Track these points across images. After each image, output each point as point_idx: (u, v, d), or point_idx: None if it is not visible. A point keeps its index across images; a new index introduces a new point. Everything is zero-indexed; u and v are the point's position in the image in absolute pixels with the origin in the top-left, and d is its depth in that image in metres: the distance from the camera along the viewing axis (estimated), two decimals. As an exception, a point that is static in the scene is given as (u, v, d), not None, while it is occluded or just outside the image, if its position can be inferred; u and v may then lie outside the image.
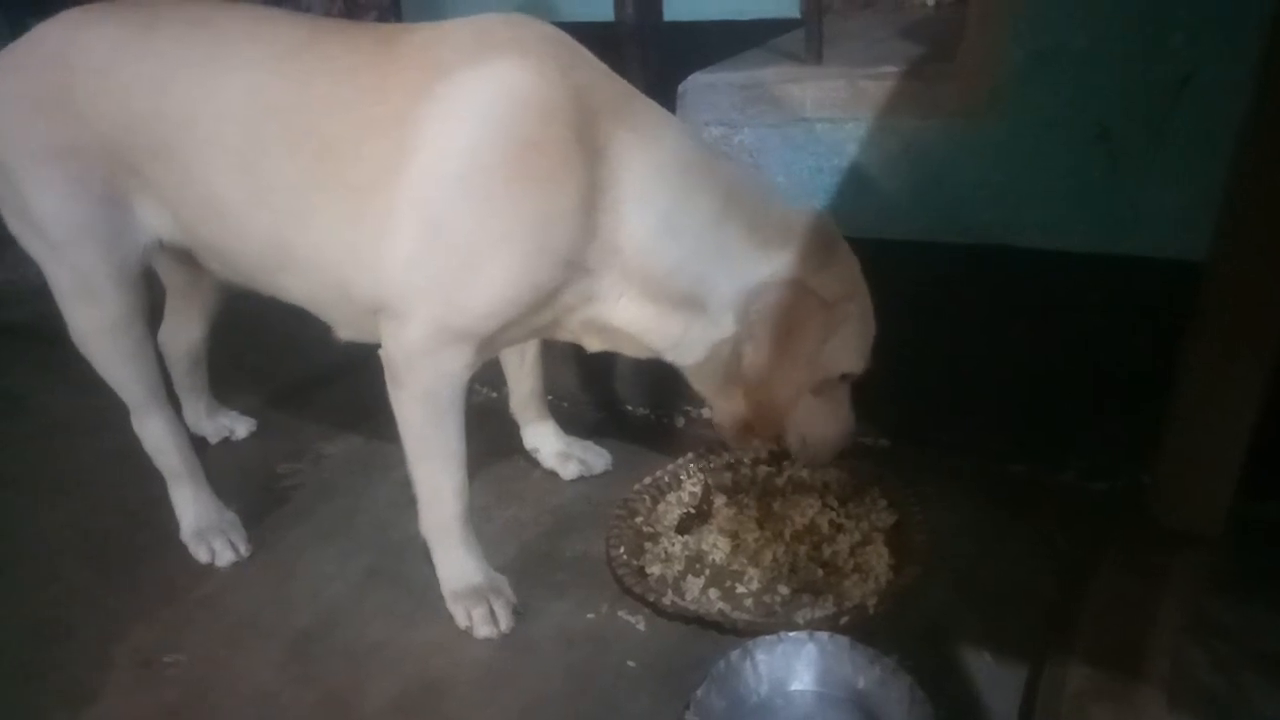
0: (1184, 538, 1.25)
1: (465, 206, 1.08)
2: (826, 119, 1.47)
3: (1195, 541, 1.24)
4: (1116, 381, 1.40)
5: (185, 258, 1.36)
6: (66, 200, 1.24)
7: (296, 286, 1.26)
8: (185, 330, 1.68)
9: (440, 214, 1.09)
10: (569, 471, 1.61)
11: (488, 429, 1.68)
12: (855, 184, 1.46)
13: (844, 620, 1.20)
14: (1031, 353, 1.44)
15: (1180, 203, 1.27)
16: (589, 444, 1.64)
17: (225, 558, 1.44)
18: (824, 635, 1.13)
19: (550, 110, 1.06)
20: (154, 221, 1.30)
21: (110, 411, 1.48)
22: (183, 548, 1.46)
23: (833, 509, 1.43)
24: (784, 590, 1.29)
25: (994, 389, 1.49)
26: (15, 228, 1.30)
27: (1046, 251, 1.37)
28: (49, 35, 1.25)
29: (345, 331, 1.27)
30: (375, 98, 1.11)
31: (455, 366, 1.16)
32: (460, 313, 1.12)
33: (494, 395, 1.88)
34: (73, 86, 1.21)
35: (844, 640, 1.12)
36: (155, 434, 1.44)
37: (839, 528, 1.39)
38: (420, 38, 1.15)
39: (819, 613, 1.23)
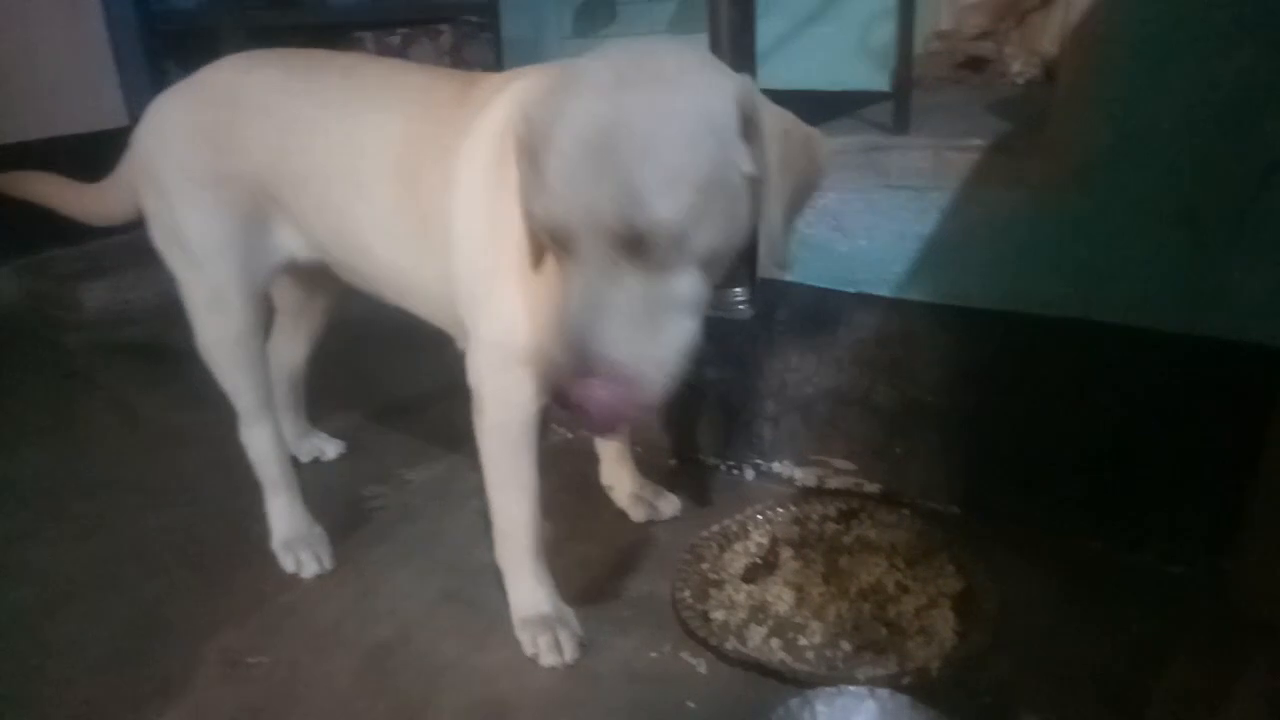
0: (1264, 629, 1.22)
1: (477, 221, 1.17)
2: (910, 186, 1.50)
3: (1276, 634, 1.21)
4: (1197, 464, 1.37)
5: (302, 281, 1.47)
6: (214, 221, 1.37)
7: (417, 304, 1.37)
8: (290, 350, 1.80)
9: (468, 232, 1.18)
10: (639, 514, 1.65)
11: (563, 468, 1.74)
12: (936, 251, 1.49)
13: (906, 680, 1.20)
14: (1110, 429, 1.43)
15: (1266, 287, 1.26)
16: (660, 489, 1.68)
17: (310, 569, 1.52)
18: (885, 692, 1.13)
19: (523, 111, 1.12)
20: (289, 243, 1.43)
21: (214, 426, 1.60)
22: (271, 557, 1.55)
23: (899, 570, 1.43)
24: (846, 646, 1.29)
25: (1070, 463, 1.48)
26: (160, 242, 1.43)
27: (1128, 328, 1.37)
28: (220, 74, 1.40)
29: (462, 343, 1.33)
30: (443, 132, 1.23)
31: (521, 395, 1.21)
32: (501, 326, 1.18)
33: (569, 436, 1.94)
34: (236, 122, 1.35)
35: (904, 699, 1.12)
36: (260, 444, 1.53)
37: (905, 589, 1.39)
38: (486, 80, 1.27)
39: (881, 671, 1.24)
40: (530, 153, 0.93)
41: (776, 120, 0.94)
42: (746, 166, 0.92)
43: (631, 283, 0.87)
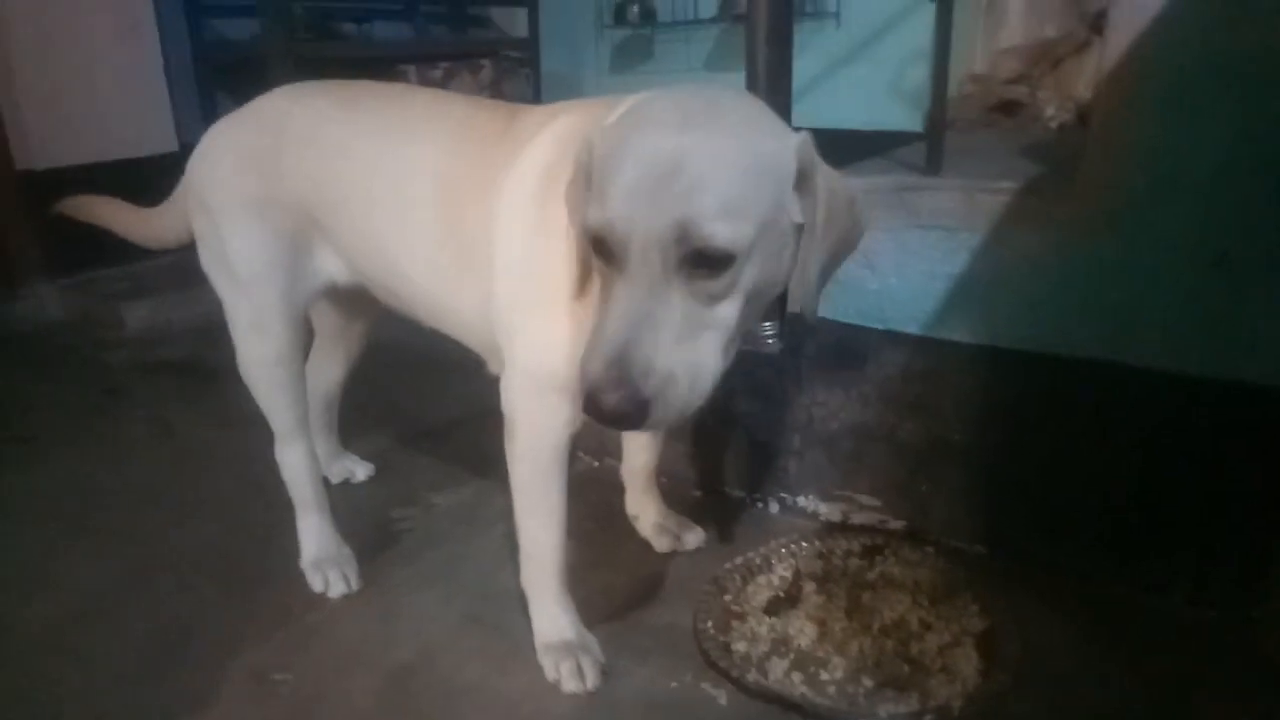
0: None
1: (519, 254, 1.20)
2: (941, 227, 1.52)
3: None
4: (1225, 507, 1.36)
5: (341, 304, 1.50)
6: (258, 244, 1.42)
7: (453, 328, 1.40)
8: (327, 371, 1.83)
9: (509, 265, 1.21)
10: (663, 544, 1.65)
11: (589, 496, 1.76)
12: (965, 291, 1.50)
13: (928, 718, 1.19)
14: (1137, 470, 1.42)
15: (1299, 332, 1.26)
16: (685, 520, 1.69)
17: (338, 589, 1.53)
18: (906, 730, 1.13)
19: (566, 143, 1.15)
20: (329, 267, 1.48)
21: (248, 444, 1.62)
22: (299, 575, 1.57)
23: (923, 607, 1.43)
24: (868, 682, 1.29)
25: (1096, 504, 1.47)
26: (207, 264, 1.48)
27: (1159, 371, 1.37)
28: (269, 103, 1.46)
29: (495, 367, 1.35)
30: (486, 166, 1.26)
31: (554, 421, 1.23)
32: (537, 354, 1.20)
33: (595, 465, 1.96)
34: (281, 149, 1.40)
35: (926, 738, 1.12)
36: (294, 463, 1.56)
37: (928, 626, 1.38)
38: (528, 114, 1.30)
39: (903, 708, 1.23)
40: (588, 176, 0.98)
41: (827, 179, 0.99)
42: (796, 216, 0.97)
43: (676, 301, 0.90)
